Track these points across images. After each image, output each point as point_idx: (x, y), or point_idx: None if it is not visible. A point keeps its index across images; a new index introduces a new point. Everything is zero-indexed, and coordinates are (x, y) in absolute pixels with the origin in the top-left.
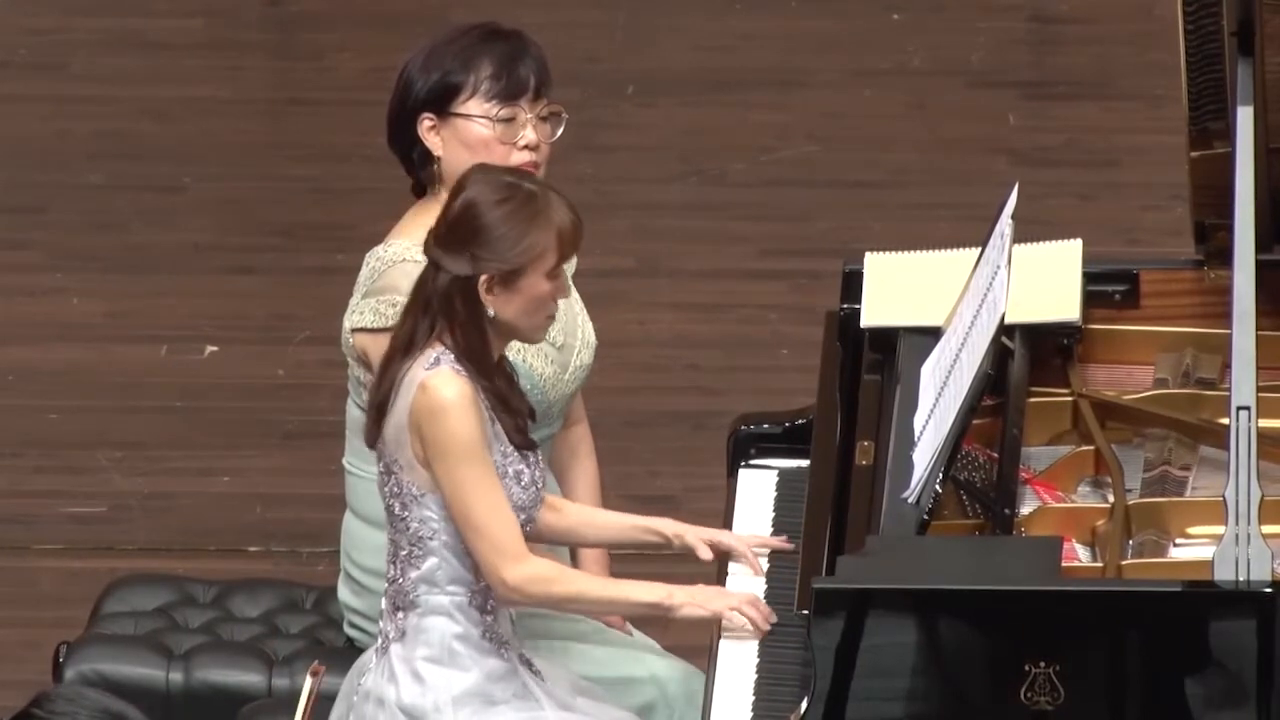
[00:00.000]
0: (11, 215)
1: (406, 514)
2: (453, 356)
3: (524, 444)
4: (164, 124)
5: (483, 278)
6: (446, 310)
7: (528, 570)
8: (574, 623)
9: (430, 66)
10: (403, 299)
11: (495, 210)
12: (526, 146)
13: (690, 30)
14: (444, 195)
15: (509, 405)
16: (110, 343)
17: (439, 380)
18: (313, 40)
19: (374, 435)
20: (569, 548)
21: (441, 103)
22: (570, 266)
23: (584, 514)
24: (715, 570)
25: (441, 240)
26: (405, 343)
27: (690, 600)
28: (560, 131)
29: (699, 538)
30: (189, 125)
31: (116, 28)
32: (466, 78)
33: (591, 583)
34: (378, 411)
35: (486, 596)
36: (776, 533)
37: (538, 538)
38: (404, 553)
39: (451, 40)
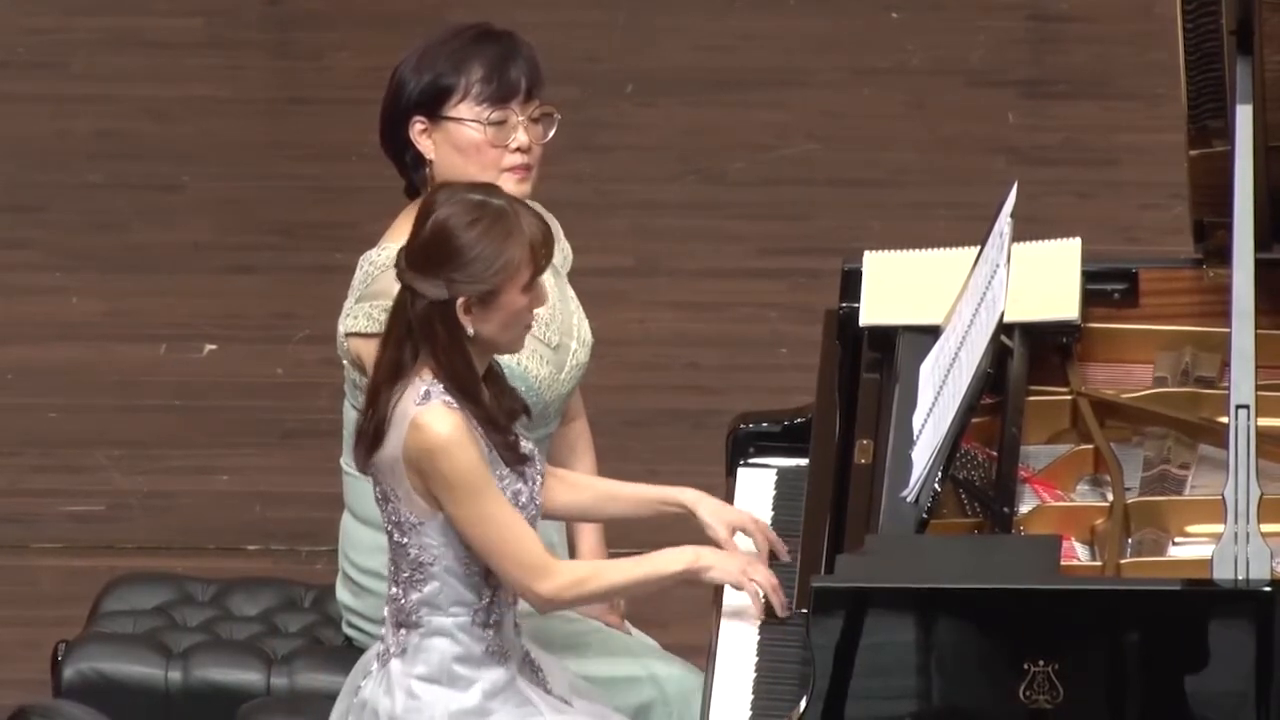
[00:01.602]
0: (11, 214)
1: (406, 540)
2: (442, 388)
3: (517, 460)
4: (164, 123)
5: (460, 300)
6: (427, 335)
7: (560, 579)
8: (571, 623)
9: (422, 68)
10: None
11: (468, 232)
12: (518, 149)
13: (690, 30)
14: None
15: (498, 425)
16: (110, 342)
17: (431, 417)
18: (312, 40)
19: (364, 463)
20: (565, 522)
21: (433, 105)
22: (566, 265)
23: (602, 487)
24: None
25: (416, 265)
26: (391, 371)
27: (718, 563)
28: (552, 133)
29: (721, 522)
30: (188, 124)
31: (116, 27)
32: (457, 80)
33: (620, 568)
34: (371, 441)
35: (489, 614)
36: (776, 532)
37: (551, 515)
38: (405, 575)
39: (443, 42)
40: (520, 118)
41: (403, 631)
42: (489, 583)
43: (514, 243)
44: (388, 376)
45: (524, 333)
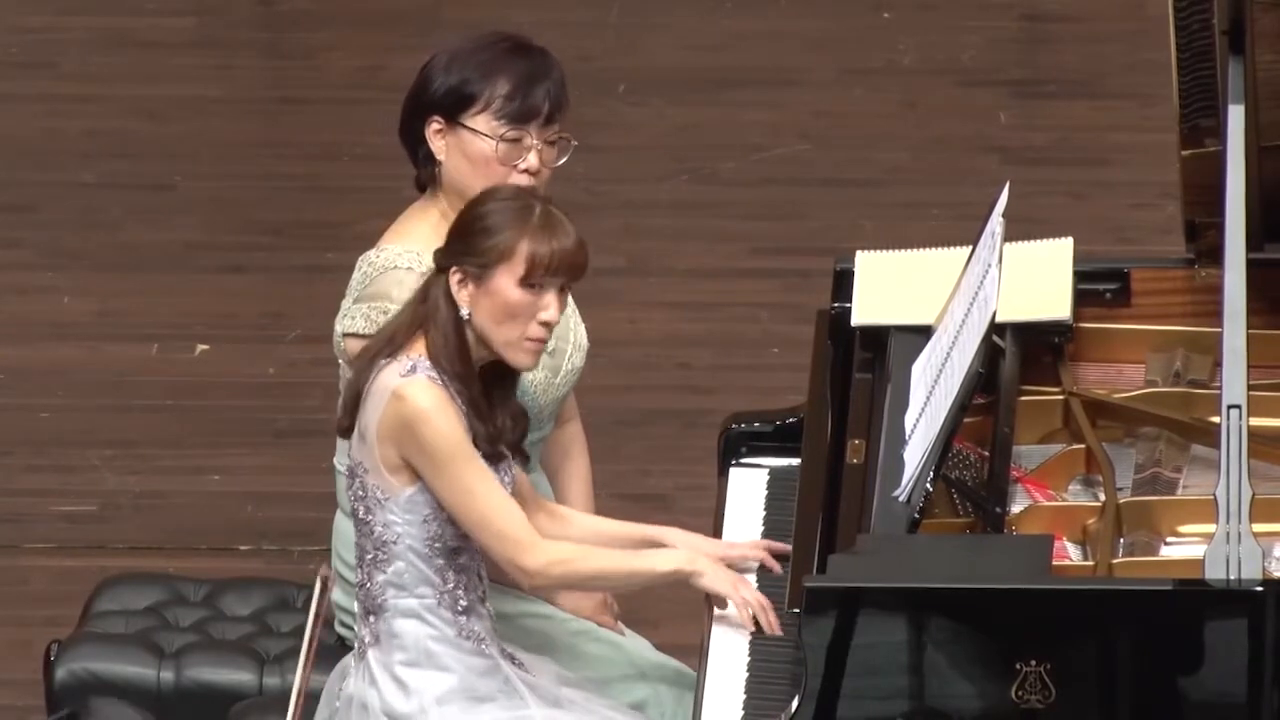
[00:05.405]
0: (3, 214)
1: (371, 518)
2: (429, 364)
3: (492, 455)
4: (155, 123)
5: (454, 269)
6: (431, 306)
7: (547, 554)
8: (564, 623)
9: (451, 69)
10: (393, 306)
11: (490, 203)
12: (526, 170)
13: (681, 29)
14: (442, 199)
15: (480, 413)
16: (101, 341)
17: (413, 389)
18: (304, 39)
19: (347, 424)
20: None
21: (452, 110)
22: None
23: (588, 524)
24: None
25: (447, 236)
26: (389, 335)
27: (710, 571)
28: (565, 159)
29: (713, 559)
30: (180, 124)
31: (107, 26)
32: (482, 90)
33: (611, 557)
34: (351, 406)
35: (456, 598)
36: (768, 532)
37: None
38: (369, 556)
39: (477, 48)
40: (536, 141)
41: (372, 619)
42: (453, 566)
43: (515, 227)
44: (386, 337)
45: (527, 346)
